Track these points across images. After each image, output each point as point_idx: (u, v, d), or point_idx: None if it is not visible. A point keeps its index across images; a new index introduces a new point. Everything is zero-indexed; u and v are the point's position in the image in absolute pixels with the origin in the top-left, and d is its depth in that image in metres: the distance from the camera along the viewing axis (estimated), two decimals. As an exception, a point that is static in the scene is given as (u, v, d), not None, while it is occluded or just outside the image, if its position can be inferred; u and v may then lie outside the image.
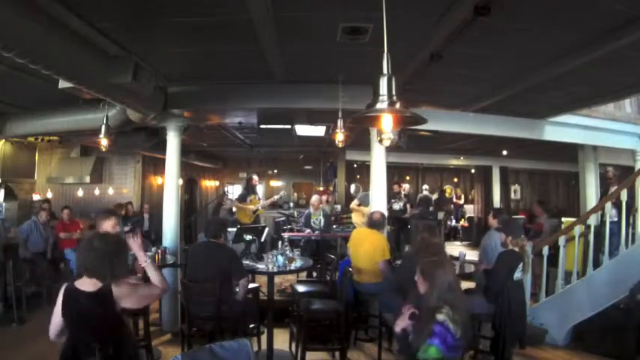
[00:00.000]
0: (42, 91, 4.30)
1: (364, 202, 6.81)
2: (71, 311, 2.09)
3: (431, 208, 10.61)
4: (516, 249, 3.58)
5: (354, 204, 7.29)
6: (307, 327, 3.78)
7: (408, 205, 8.11)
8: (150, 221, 8.11)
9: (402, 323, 2.39)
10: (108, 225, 3.21)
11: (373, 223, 4.47)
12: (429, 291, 2.16)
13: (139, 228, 7.63)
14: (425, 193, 11.54)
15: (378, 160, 5.07)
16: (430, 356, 1.99)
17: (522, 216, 11.01)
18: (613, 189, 5.22)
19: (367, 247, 4.31)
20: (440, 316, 2.01)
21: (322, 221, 6.42)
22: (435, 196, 12.06)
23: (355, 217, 7.15)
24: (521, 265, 3.52)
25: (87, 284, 2.09)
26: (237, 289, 3.68)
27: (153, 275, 2.33)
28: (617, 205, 4.70)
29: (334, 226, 7.00)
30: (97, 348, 2.02)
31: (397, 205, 7.94)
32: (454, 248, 10.08)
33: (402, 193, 8.33)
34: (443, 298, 2.09)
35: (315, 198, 6.71)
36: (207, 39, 3.44)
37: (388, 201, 7.95)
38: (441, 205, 12.06)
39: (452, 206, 12.83)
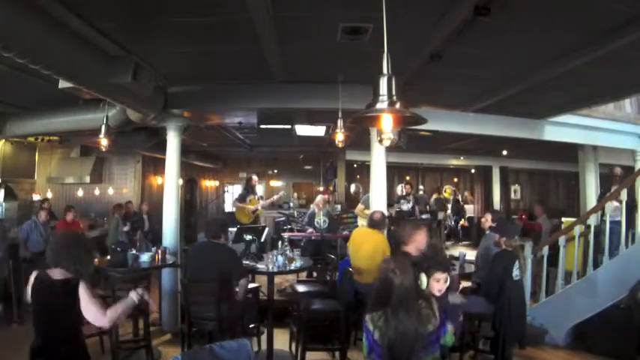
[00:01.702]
0: (42, 91, 4.30)
1: (367, 204, 6.81)
2: (38, 294, 2.20)
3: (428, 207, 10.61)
4: (510, 249, 3.59)
5: (359, 209, 7.26)
6: (307, 327, 3.78)
7: (416, 207, 8.07)
8: (149, 221, 8.10)
9: None
10: (421, 235, 3.28)
11: (374, 222, 4.46)
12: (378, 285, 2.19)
13: (140, 228, 7.63)
14: (420, 193, 11.54)
15: (378, 160, 5.07)
16: (363, 343, 2.16)
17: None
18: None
19: (368, 248, 4.30)
20: (366, 316, 2.11)
21: (325, 221, 6.42)
22: (434, 197, 12.04)
23: (362, 222, 7.13)
24: (517, 264, 3.53)
25: (56, 273, 2.22)
26: (237, 289, 3.68)
27: (118, 307, 2.29)
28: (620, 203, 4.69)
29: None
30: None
31: (406, 207, 7.92)
32: (455, 248, 10.08)
33: (412, 194, 8.33)
34: (377, 305, 2.10)
35: (320, 198, 6.70)
36: (207, 39, 3.44)
37: (398, 201, 7.98)
38: (458, 208, 12.13)
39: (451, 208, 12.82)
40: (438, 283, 2.35)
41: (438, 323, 2.14)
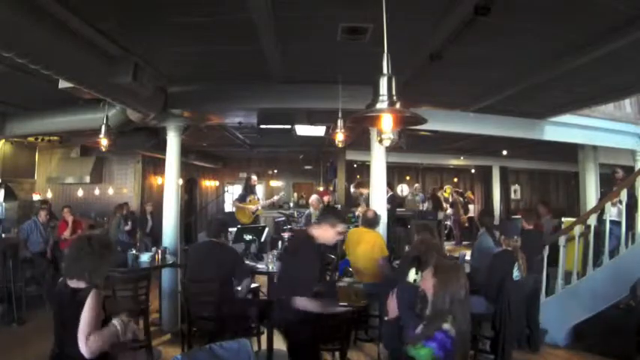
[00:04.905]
0: (42, 91, 4.30)
1: None
2: (54, 300, 2.18)
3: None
4: (509, 248, 3.59)
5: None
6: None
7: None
8: (152, 221, 8.11)
9: (392, 313, 2.45)
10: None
11: (368, 221, 4.46)
12: (439, 292, 2.06)
13: (143, 227, 7.64)
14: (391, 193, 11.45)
15: (378, 160, 5.07)
16: (420, 357, 1.92)
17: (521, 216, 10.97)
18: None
19: (364, 247, 4.30)
20: (446, 325, 1.97)
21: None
22: (437, 194, 12.04)
23: None
24: (517, 264, 3.53)
25: (72, 282, 2.10)
26: (239, 288, 3.67)
27: (100, 335, 1.97)
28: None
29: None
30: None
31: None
32: (455, 249, 10.07)
33: (362, 197, 8.23)
34: (452, 307, 2.02)
35: (314, 198, 6.70)
36: (207, 39, 3.44)
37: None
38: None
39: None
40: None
41: None
